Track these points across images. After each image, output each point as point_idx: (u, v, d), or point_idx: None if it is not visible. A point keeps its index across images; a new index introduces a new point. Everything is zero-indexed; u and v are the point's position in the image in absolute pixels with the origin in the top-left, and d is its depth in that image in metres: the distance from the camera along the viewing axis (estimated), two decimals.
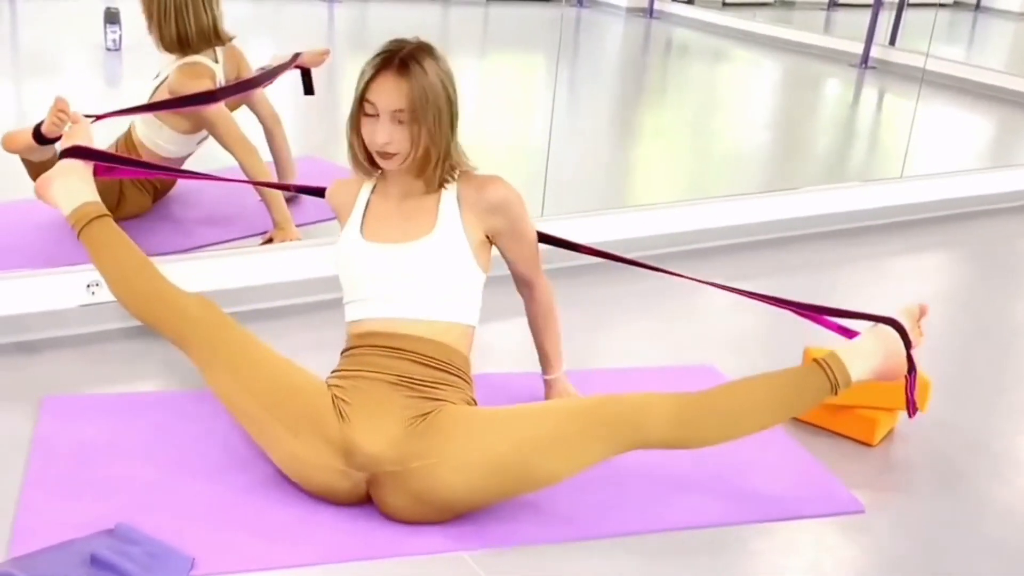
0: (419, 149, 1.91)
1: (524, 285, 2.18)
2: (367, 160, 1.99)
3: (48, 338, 2.47)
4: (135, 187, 3.16)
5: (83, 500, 1.86)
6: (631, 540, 1.89)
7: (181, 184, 3.38)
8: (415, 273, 1.96)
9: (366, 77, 1.90)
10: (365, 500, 1.87)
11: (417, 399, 1.86)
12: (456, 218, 1.98)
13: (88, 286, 2.50)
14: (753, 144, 5.23)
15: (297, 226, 3.08)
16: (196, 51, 3.02)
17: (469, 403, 1.94)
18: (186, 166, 3.18)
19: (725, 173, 4.61)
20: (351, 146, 1.99)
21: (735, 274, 3.04)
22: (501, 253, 2.10)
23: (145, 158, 3.10)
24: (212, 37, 3.03)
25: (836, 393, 1.91)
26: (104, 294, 2.49)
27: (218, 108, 3.03)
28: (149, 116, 3.07)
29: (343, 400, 1.86)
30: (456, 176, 2.00)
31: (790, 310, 2.19)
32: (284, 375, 1.93)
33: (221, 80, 3.11)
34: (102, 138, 3.24)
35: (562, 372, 2.28)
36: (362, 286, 2.00)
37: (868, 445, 2.29)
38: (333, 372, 1.97)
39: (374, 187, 2.07)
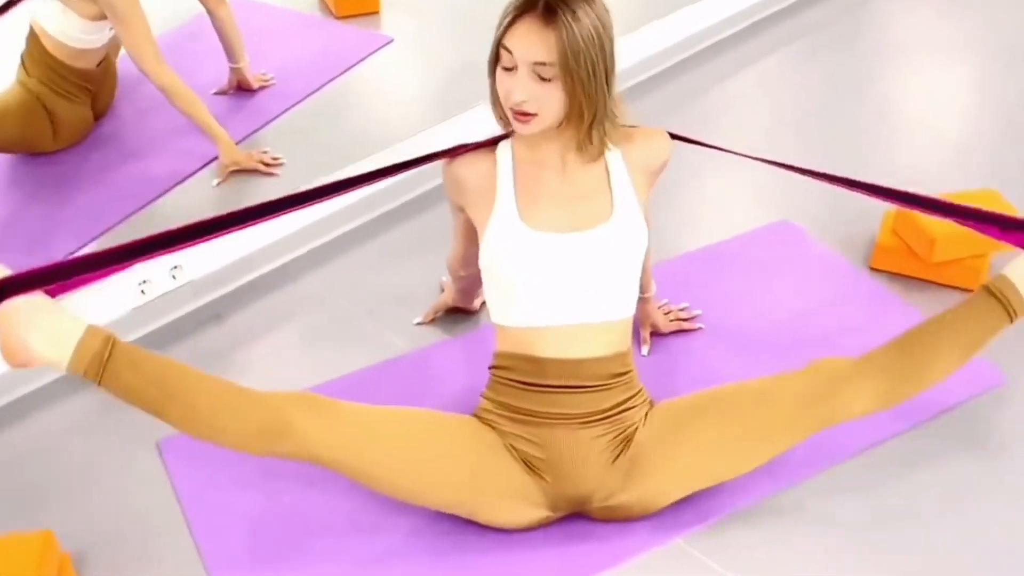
0: (568, 112, 1.65)
1: None
2: (503, 117, 1.73)
3: None
4: (65, 99, 2.81)
5: (278, 572, 1.77)
6: (817, 480, 1.90)
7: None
8: (595, 268, 1.73)
9: (505, 21, 1.63)
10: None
11: (611, 434, 1.73)
12: (630, 190, 1.76)
13: (140, 284, 2.26)
14: None
15: (239, 142, 2.85)
16: None
17: (650, 404, 1.81)
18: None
19: None
20: (493, 97, 1.72)
21: None
22: None
23: (63, 58, 2.76)
24: None
25: (1013, 322, 1.79)
26: (156, 287, 2.28)
27: None
28: (50, 7, 2.69)
29: (534, 456, 1.72)
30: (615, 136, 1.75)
31: (925, 210, 1.92)
32: (455, 458, 1.69)
33: None
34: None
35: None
36: (529, 287, 1.73)
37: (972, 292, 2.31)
38: (495, 403, 1.76)
39: (513, 152, 1.77)
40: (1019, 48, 3.37)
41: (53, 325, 1.55)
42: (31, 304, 1.55)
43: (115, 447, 2.04)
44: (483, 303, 2.28)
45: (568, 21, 1.58)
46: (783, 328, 2.24)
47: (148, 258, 1.64)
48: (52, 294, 1.57)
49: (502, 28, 1.63)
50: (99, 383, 1.58)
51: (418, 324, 2.28)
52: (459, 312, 2.29)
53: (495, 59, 1.67)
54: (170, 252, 1.65)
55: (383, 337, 2.27)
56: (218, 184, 2.74)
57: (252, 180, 2.78)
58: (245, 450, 1.64)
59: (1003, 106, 3.09)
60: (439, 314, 2.29)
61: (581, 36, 1.59)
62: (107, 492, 1.95)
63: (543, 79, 1.62)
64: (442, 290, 2.33)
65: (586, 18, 1.60)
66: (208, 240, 1.67)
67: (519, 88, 1.62)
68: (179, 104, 2.70)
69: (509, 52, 1.62)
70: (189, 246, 1.66)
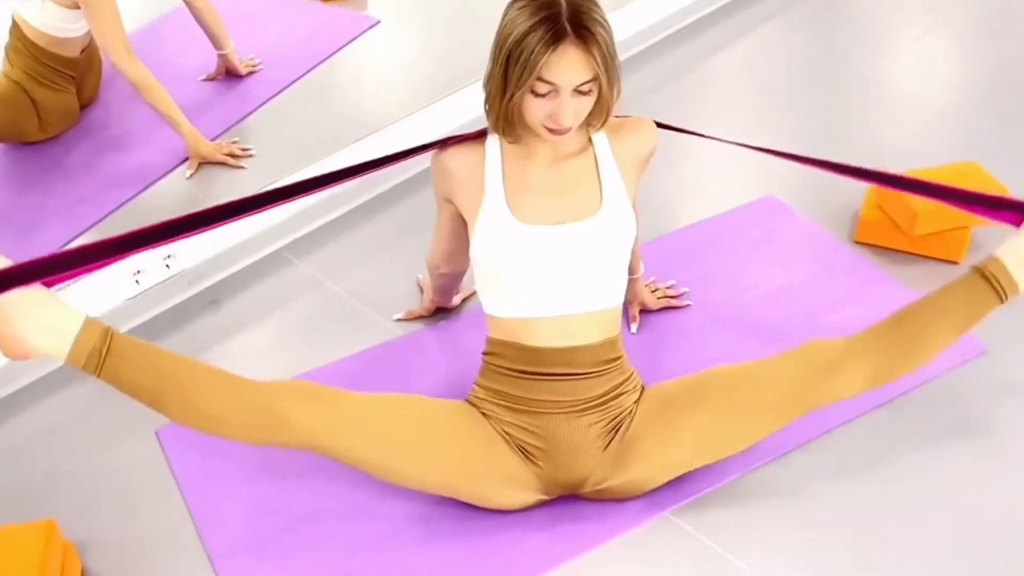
0: (596, 111, 1.67)
1: None
2: (513, 128, 1.71)
3: None
4: (48, 89, 2.83)
5: (279, 556, 1.81)
6: (802, 451, 1.94)
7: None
8: (586, 259, 1.74)
9: (533, 56, 1.57)
10: None
11: (605, 420, 1.76)
12: (618, 180, 1.77)
13: (134, 274, 2.28)
14: None
15: (214, 138, 2.85)
16: None
17: (641, 389, 1.83)
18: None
19: None
20: (496, 112, 1.69)
21: None
22: None
23: (46, 47, 2.78)
24: None
25: (1003, 303, 1.77)
26: (150, 276, 2.31)
27: None
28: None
29: (529, 443, 1.75)
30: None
31: (919, 194, 1.94)
32: (449, 444, 1.72)
33: None
34: None
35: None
36: (521, 280, 1.74)
37: (954, 264, 2.35)
38: (488, 391, 1.79)
39: (501, 145, 1.76)
40: (997, 16, 3.39)
41: (51, 318, 1.55)
42: (29, 297, 1.53)
43: (115, 436, 2.07)
44: (463, 299, 2.31)
45: (599, 33, 1.58)
46: (770, 303, 2.28)
47: (143, 250, 1.63)
48: (49, 285, 1.56)
49: (532, 63, 1.57)
50: (98, 375, 1.59)
51: (398, 320, 2.30)
52: (440, 311, 2.31)
53: (520, 86, 1.61)
54: (164, 244, 1.65)
55: (377, 321, 2.30)
56: (190, 176, 2.75)
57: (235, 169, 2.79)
58: (244, 440, 1.67)
59: (983, 75, 3.12)
60: (422, 316, 2.30)
61: (607, 42, 1.60)
62: (108, 481, 1.98)
63: (583, 94, 1.63)
64: (420, 289, 2.34)
65: (603, 20, 1.60)
66: (202, 232, 1.67)
67: (568, 113, 1.62)
68: (146, 96, 2.71)
69: (549, 83, 1.60)
70: (183, 237, 1.66)
